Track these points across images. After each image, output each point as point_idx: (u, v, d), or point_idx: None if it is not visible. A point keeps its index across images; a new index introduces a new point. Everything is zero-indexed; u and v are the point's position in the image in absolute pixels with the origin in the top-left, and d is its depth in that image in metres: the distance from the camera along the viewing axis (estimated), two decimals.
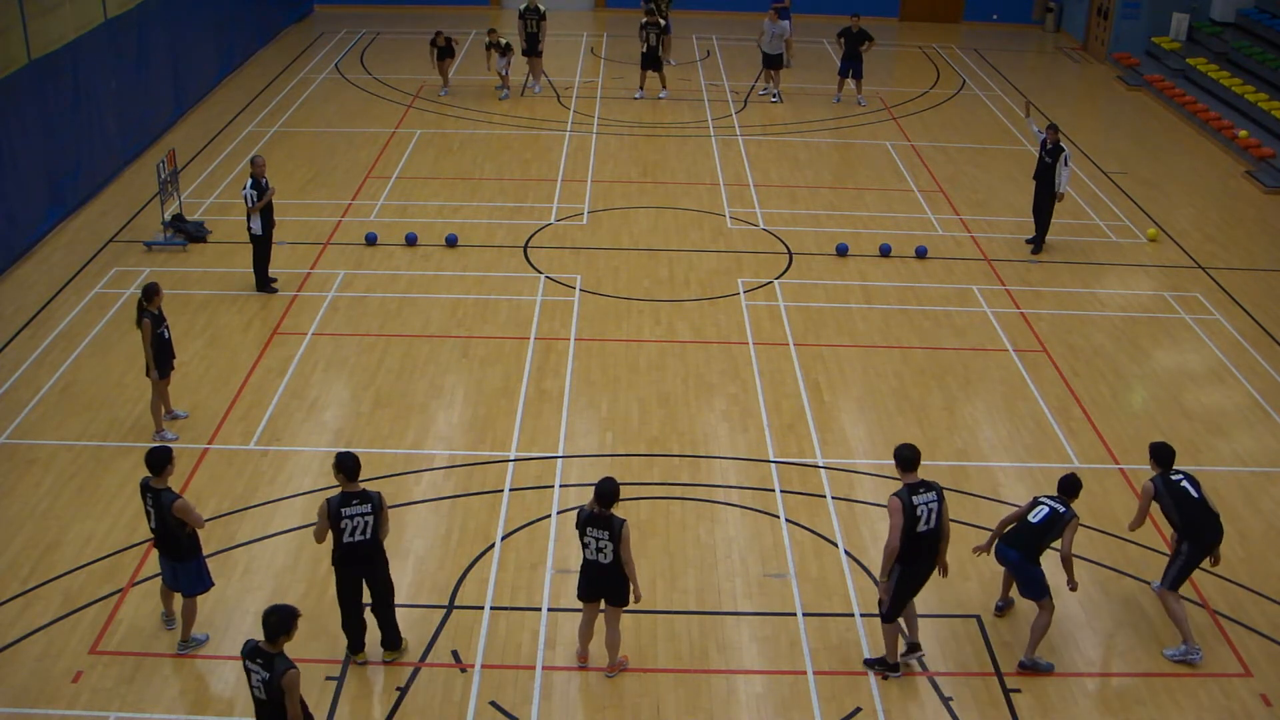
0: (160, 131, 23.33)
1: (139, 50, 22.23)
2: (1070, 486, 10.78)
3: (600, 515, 10.01)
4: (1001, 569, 11.33)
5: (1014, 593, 11.30)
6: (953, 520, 12.64)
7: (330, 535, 10.14)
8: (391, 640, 10.59)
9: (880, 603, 10.56)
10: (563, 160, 22.71)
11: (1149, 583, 11.82)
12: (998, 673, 10.74)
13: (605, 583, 10.19)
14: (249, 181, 16.59)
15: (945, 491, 13.09)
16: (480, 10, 34.02)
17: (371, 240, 18.77)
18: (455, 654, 10.74)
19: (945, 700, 10.42)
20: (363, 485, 10.30)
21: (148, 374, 13.47)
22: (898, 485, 10.37)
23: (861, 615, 11.30)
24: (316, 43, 30.70)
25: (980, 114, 26.60)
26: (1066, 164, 18.55)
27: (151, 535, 10.73)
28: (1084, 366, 15.95)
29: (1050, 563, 10.82)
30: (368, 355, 15.64)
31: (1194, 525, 10.82)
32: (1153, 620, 11.42)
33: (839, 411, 14.70)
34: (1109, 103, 28.24)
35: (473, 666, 10.60)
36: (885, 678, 10.59)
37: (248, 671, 8.66)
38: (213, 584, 10.78)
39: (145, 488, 10.38)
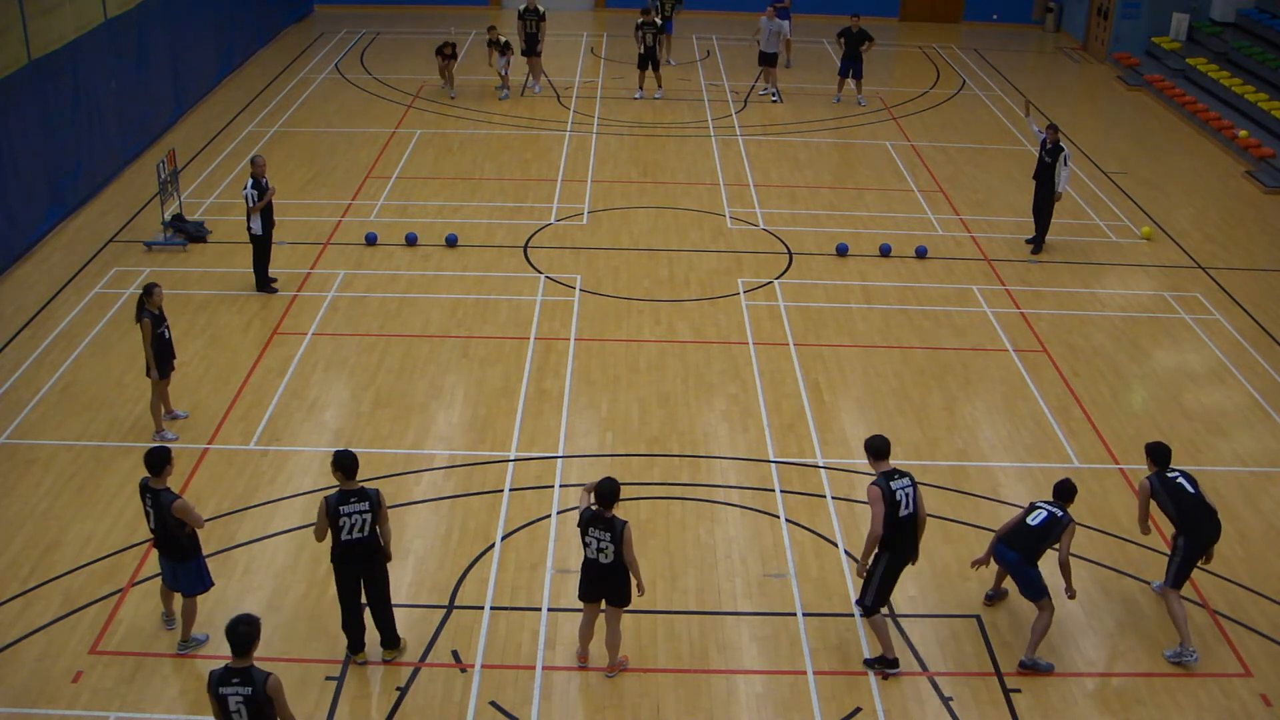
0: (160, 131, 23.33)
1: (139, 50, 22.23)
2: (1066, 492, 10.80)
3: (602, 516, 10.02)
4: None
5: (1008, 583, 11.34)
6: (953, 520, 12.69)
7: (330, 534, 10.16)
8: (390, 640, 10.59)
9: (862, 595, 10.60)
10: (563, 160, 22.72)
11: (1149, 583, 11.83)
12: (998, 673, 10.74)
13: (606, 583, 10.19)
14: (249, 181, 16.59)
15: (945, 492, 13.20)
16: (480, 10, 34.03)
17: (371, 240, 18.77)
18: (455, 654, 10.74)
19: (945, 700, 10.42)
20: (361, 484, 10.30)
21: (148, 374, 13.47)
22: None
23: (862, 615, 11.30)
24: (316, 43, 30.70)
25: (980, 114, 26.60)
26: (1066, 163, 18.56)
27: (151, 536, 10.73)
28: (1084, 366, 15.95)
29: (1048, 568, 10.83)
30: (368, 355, 15.64)
31: (1191, 521, 10.85)
32: (1153, 620, 11.42)
33: (839, 411, 14.70)
34: (1109, 103, 28.25)
35: (473, 666, 10.60)
36: (885, 676, 10.59)
37: (222, 699, 8.21)
38: (213, 584, 10.79)
39: (144, 488, 10.37)
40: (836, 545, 12.29)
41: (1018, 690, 10.56)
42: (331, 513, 10.04)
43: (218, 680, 8.29)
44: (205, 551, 10.83)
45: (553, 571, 11.79)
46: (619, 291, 17.53)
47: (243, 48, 28.49)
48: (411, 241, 18.74)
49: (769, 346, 16.09)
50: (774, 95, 26.92)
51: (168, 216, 18.87)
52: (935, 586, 11.76)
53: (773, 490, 13.16)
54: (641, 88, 26.87)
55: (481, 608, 11.30)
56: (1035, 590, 10.65)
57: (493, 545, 12.15)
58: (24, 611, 11.11)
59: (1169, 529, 11.47)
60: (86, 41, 20.05)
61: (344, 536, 10.09)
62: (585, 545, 10.16)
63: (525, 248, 18.84)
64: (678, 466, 13.56)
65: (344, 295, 17.17)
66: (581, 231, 19.60)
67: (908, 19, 35.25)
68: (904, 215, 20.66)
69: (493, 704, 10.21)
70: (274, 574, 11.66)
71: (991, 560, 11.03)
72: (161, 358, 13.39)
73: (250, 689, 8.22)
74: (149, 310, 13.22)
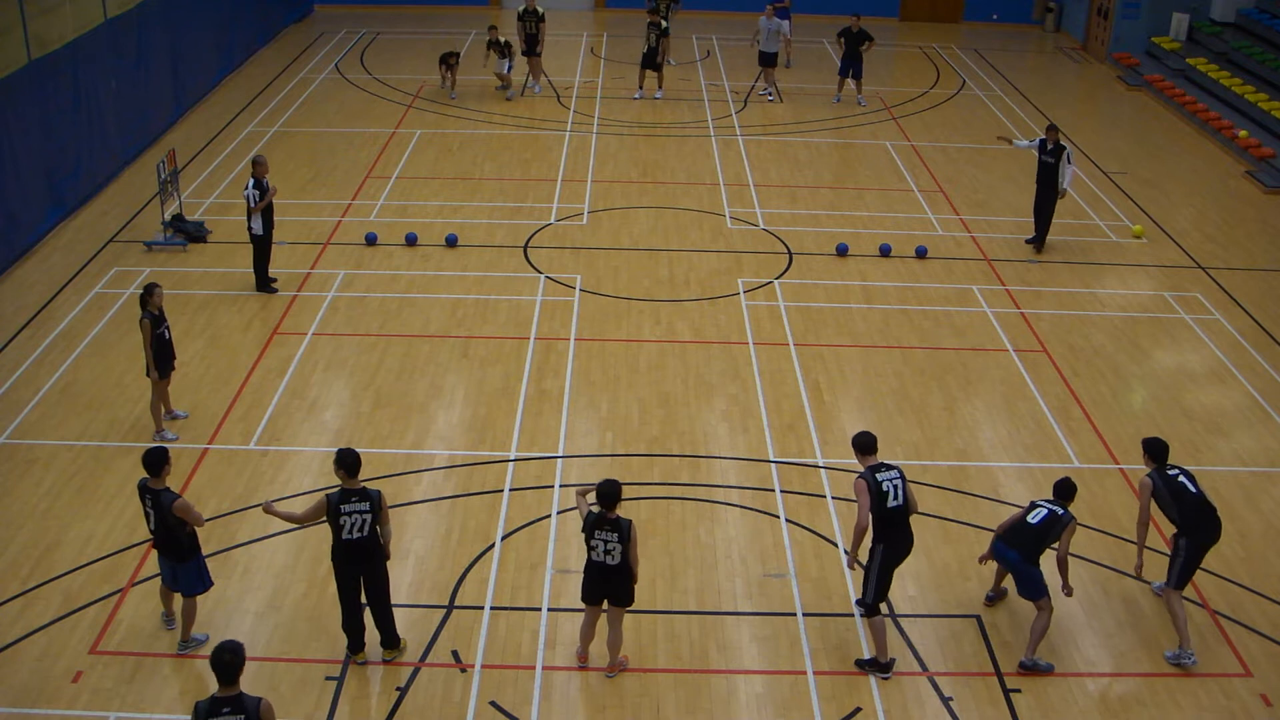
0: (160, 131, 23.33)
1: (139, 50, 22.23)
2: (1066, 490, 10.81)
3: (607, 518, 10.02)
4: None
5: (1008, 583, 11.34)
6: (953, 521, 12.69)
7: (323, 529, 10.14)
8: (390, 640, 10.59)
9: (863, 593, 10.60)
10: (563, 160, 22.71)
11: (1150, 583, 11.83)
12: (998, 673, 10.74)
13: (611, 584, 10.19)
14: (250, 181, 16.59)
15: (945, 491, 13.20)
16: (480, 10, 34.03)
17: (371, 240, 18.77)
18: (455, 654, 10.74)
19: (945, 700, 10.42)
20: (363, 483, 10.31)
21: (148, 374, 13.46)
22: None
23: (861, 615, 11.29)
24: (316, 43, 30.69)
25: (980, 114, 26.59)
26: (1069, 161, 18.60)
27: (151, 536, 10.73)
28: (1084, 366, 15.95)
29: (1048, 567, 10.83)
30: (368, 355, 15.64)
31: (1192, 520, 10.83)
32: (1153, 620, 11.42)
33: (839, 411, 14.70)
34: (1109, 103, 28.24)
35: (473, 666, 10.60)
36: (880, 679, 10.59)
37: None
38: (212, 584, 10.79)
39: (144, 489, 10.37)
40: (836, 545, 12.29)
41: (1018, 690, 10.56)
42: (332, 511, 10.04)
43: (205, 713, 7.95)
44: (205, 551, 10.85)
45: (553, 571, 11.78)
46: (619, 291, 17.53)
47: (243, 48, 28.49)
48: (411, 241, 18.74)
49: (769, 346, 16.09)
50: (770, 95, 26.91)
51: (168, 216, 18.87)
52: (935, 586, 11.76)
53: (773, 490, 13.16)
54: (641, 87, 26.88)
55: (481, 608, 11.30)
56: (1035, 589, 10.65)
57: (493, 545, 12.15)
58: (24, 611, 11.11)
59: (1169, 529, 11.48)
60: (86, 41, 20.05)
61: (344, 536, 10.09)
62: (591, 548, 10.14)
63: (525, 248, 18.84)
64: (678, 466, 13.55)
65: (344, 295, 17.17)
66: (581, 231, 19.60)
67: (908, 19, 35.25)
68: (904, 215, 20.66)
69: (493, 704, 10.21)
70: (274, 574, 11.66)
71: (992, 554, 11.02)
72: (161, 358, 13.39)
73: (243, 717, 7.97)
74: (148, 310, 13.23)
